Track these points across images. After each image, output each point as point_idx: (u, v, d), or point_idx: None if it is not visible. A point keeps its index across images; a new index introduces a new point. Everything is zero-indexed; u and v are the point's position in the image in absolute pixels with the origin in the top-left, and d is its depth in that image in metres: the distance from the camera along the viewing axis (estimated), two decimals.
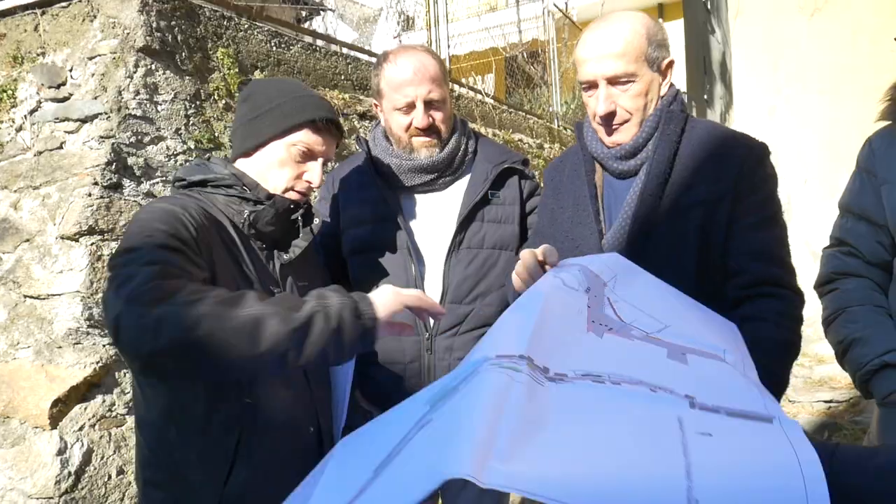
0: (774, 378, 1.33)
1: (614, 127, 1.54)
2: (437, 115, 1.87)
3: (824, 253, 1.74)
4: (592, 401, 0.82)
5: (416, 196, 1.96)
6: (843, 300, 1.63)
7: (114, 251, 1.26)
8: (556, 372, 0.87)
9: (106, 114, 2.73)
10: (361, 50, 4.55)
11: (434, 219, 1.92)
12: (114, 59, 2.78)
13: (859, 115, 4.25)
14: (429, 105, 1.85)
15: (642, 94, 1.51)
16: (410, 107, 1.85)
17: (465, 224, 1.88)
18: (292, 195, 1.46)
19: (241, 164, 1.48)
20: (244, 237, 1.39)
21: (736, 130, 1.64)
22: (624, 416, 0.79)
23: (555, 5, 8.62)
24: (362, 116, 3.91)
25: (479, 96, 5.93)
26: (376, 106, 2.00)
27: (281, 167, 1.44)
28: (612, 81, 1.50)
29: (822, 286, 1.71)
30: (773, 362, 1.34)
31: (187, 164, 1.53)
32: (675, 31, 13.96)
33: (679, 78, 14.52)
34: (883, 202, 1.56)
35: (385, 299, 1.23)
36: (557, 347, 0.93)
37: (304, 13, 9.79)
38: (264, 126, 1.43)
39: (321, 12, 10.38)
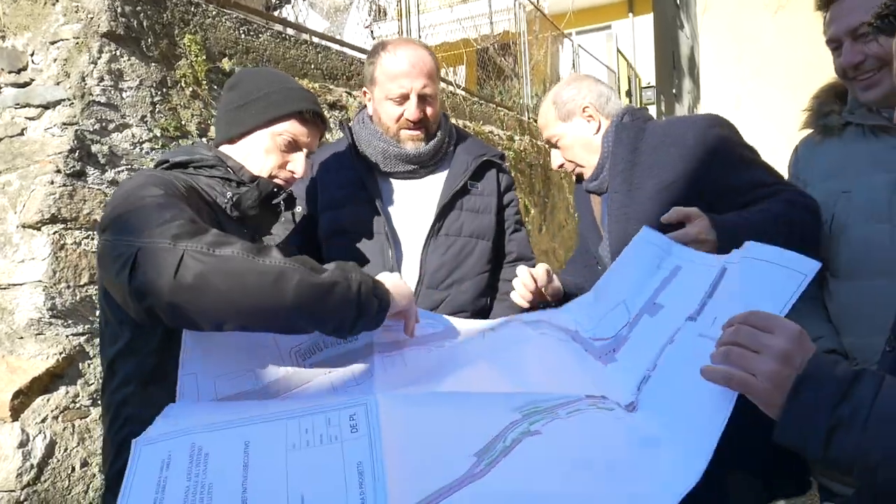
0: (746, 219, 1.44)
1: (576, 174, 1.92)
2: (428, 110, 1.91)
3: None
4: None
5: (395, 182, 1.98)
6: None
7: (106, 221, 1.20)
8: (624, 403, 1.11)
9: (69, 100, 2.66)
10: (332, 39, 4.50)
11: (413, 205, 1.95)
12: (77, 44, 2.71)
13: None
14: (422, 99, 1.89)
15: (573, 144, 1.85)
16: (404, 98, 1.88)
17: (444, 211, 1.92)
18: (276, 182, 1.47)
19: (225, 150, 1.48)
20: (226, 219, 1.39)
21: (688, 115, 1.83)
22: None
23: None
24: (332, 106, 3.88)
25: (449, 88, 5.92)
26: (365, 93, 2.02)
27: (266, 155, 1.44)
28: (553, 146, 1.89)
29: None
30: (754, 215, 1.46)
31: (170, 150, 1.53)
32: (644, 25, 14.08)
33: (648, 72, 14.67)
34: None
35: (397, 289, 1.25)
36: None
37: (274, 1, 9.65)
38: (251, 114, 1.44)
39: (291, 0, 10.24)
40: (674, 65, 15.86)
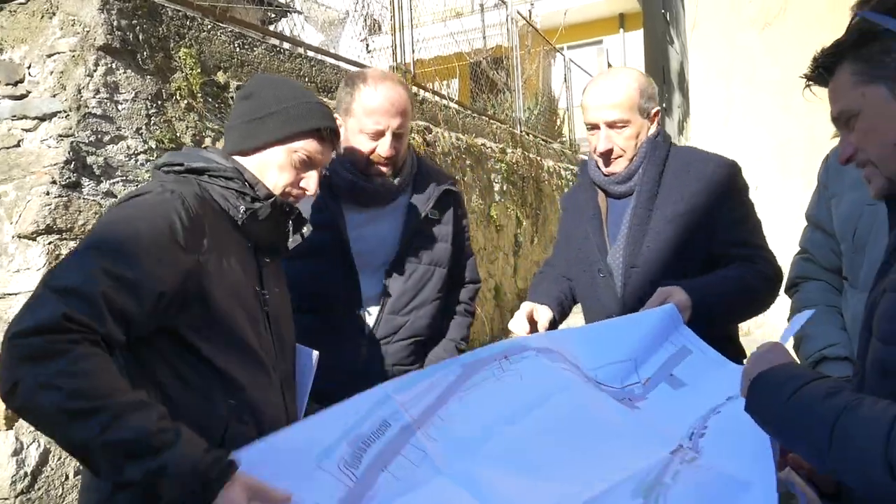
0: (714, 291, 1.68)
1: (612, 160, 1.89)
2: (399, 147, 1.93)
3: (793, 259, 1.89)
4: None
5: (359, 208, 1.98)
6: (802, 301, 1.77)
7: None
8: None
9: (65, 112, 2.67)
10: (326, 53, 4.54)
11: (375, 231, 1.97)
12: (73, 57, 2.73)
13: (806, 125, 4.38)
14: (395, 137, 1.90)
15: (633, 136, 1.85)
16: (379, 135, 1.89)
17: (407, 240, 1.96)
18: (287, 198, 1.44)
19: (239, 161, 1.43)
20: (234, 233, 1.36)
21: (710, 152, 1.95)
22: None
23: (518, 13, 8.70)
24: None
25: (443, 101, 5.96)
26: (337, 119, 2.00)
27: (280, 171, 1.40)
28: (611, 125, 1.85)
29: (789, 289, 1.87)
30: (727, 286, 1.70)
31: (176, 152, 1.44)
32: (635, 41, 14.21)
33: None
34: (832, 213, 1.69)
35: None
36: None
37: (270, 15, 9.69)
38: (268, 129, 1.38)
39: (287, 14, 10.29)
40: (664, 79, 15.99)
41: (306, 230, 1.50)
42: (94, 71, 2.74)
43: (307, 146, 1.39)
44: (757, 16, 4.99)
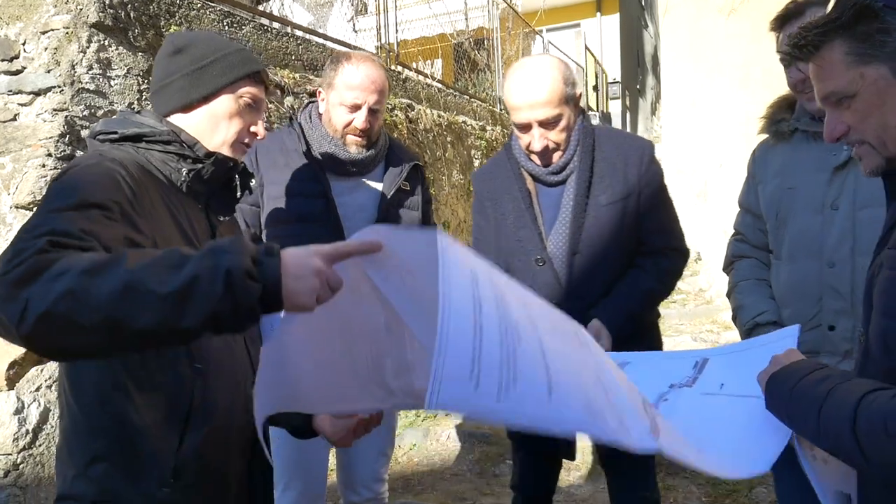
0: (629, 306, 1.81)
1: (548, 158, 1.85)
2: (374, 122, 2.03)
3: (729, 240, 2.00)
4: None
5: (340, 178, 2.08)
6: (737, 276, 1.90)
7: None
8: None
9: (59, 87, 2.66)
10: (313, 32, 4.51)
11: (353, 199, 2.07)
12: (67, 33, 2.71)
13: (764, 104, 4.45)
14: (371, 112, 2.01)
15: (566, 127, 1.82)
16: (356, 108, 1.99)
17: (385, 207, 2.07)
18: (239, 148, 1.36)
19: (177, 120, 1.32)
20: (181, 196, 1.29)
21: (627, 132, 1.94)
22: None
23: None
24: (312, 95, 3.89)
25: (425, 80, 5.95)
26: (319, 93, 2.11)
27: (230, 119, 1.32)
28: (543, 124, 1.78)
29: (727, 267, 1.99)
30: (634, 296, 1.83)
31: (109, 118, 1.33)
32: (611, 24, 14.17)
33: (614, 68, 14.73)
34: (759, 198, 1.84)
35: (306, 262, 0.93)
36: None
37: None
38: (213, 76, 1.30)
39: None
40: (638, 62, 16.00)
41: (253, 183, 1.44)
42: (87, 47, 2.72)
43: (251, 89, 1.34)
44: (723, 3, 5.02)
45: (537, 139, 1.80)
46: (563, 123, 1.80)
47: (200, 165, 1.28)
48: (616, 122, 14.08)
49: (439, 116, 5.65)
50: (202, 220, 1.33)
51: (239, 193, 1.40)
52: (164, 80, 1.31)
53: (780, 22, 1.69)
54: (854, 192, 1.61)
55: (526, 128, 1.81)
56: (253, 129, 1.36)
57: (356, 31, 11.22)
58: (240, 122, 1.33)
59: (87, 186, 1.06)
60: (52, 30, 2.72)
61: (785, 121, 1.79)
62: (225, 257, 0.89)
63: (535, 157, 1.87)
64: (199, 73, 1.29)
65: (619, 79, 14.19)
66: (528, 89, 1.77)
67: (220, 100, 1.31)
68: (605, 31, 14.04)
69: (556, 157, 1.85)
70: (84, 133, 2.70)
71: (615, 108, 14.14)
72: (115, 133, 1.25)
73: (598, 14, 13.95)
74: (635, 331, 1.79)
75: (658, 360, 1.53)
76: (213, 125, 1.31)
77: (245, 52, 1.36)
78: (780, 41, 1.70)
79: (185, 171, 1.27)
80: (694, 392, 1.32)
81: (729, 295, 1.92)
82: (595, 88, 12.95)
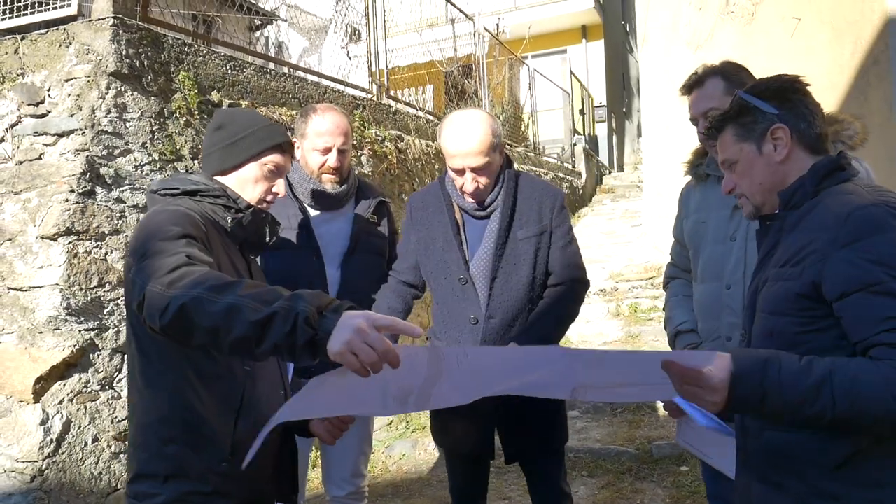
0: (543, 331, 2.12)
1: (476, 197, 2.16)
2: (343, 160, 2.39)
3: (666, 265, 2.37)
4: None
5: (319, 212, 2.43)
6: (669, 294, 2.27)
7: (131, 250, 1.43)
8: None
9: (81, 129, 2.96)
10: (308, 71, 4.83)
11: (329, 229, 2.43)
12: (88, 81, 3.01)
13: None
14: (340, 152, 2.36)
15: (494, 171, 2.14)
16: (327, 150, 2.35)
17: (356, 235, 2.42)
18: (263, 205, 1.71)
19: (219, 180, 1.67)
20: (225, 236, 1.61)
21: (542, 180, 2.36)
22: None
23: (485, 28, 9.02)
24: None
25: (415, 111, 6.27)
26: (295, 143, 2.43)
27: (255, 183, 1.65)
28: (475, 169, 2.09)
29: (665, 286, 2.34)
30: (546, 322, 2.17)
31: (164, 177, 1.70)
32: (597, 50, 14.62)
33: (600, 92, 15.09)
34: (684, 230, 2.18)
35: (351, 321, 1.12)
36: None
37: (256, 21, 9.87)
38: (242, 150, 1.64)
39: (273, 22, 10.49)
40: (623, 85, 16.43)
41: (279, 229, 1.80)
42: (106, 94, 3.02)
43: (275, 159, 1.67)
44: (691, 38, 5.38)
45: (469, 182, 2.11)
46: (490, 168, 2.12)
47: (241, 215, 1.63)
48: (602, 145, 14.45)
49: (427, 146, 5.96)
50: (240, 256, 1.67)
51: (268, 239, 1.73)
52: (209, 149, 1.68)
53: (688, 89, 2.06)
54: (747, 227, 1.93)
55: (460, 172, 2.11)
56: (274, 189, 1.70)
57: (350, 58, 11.60)
58: (264, 184, 1.67)
59: (181, 222, 1.42)
60: (75, 78, 3.02)
61: (701, 166, 2.13)
62: (300, 304, 1.14)
63: (466, 196, 2.17)
64: (231, 147, 1.65)
65: (604, 102, 14.59)
66: (463, 140, 2.07)
67: (248, 167, 1.66)
68: (590, 57, 14.47)
69: (484, 195, 2.16)
70: (102, 170, 2.99)
71: (601, 130, 14.53)
72: (178, 189, 1.60)
73: (584, 40, 14.40)
74: None
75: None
76: (242, 186, 1.66)
77: (271, 128, 1.68)
78: (688, 106, 2.07)
79: (229, 218, 1.61)
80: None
81: (664, 309, 2.28)
82: (581, 112, 13.34)
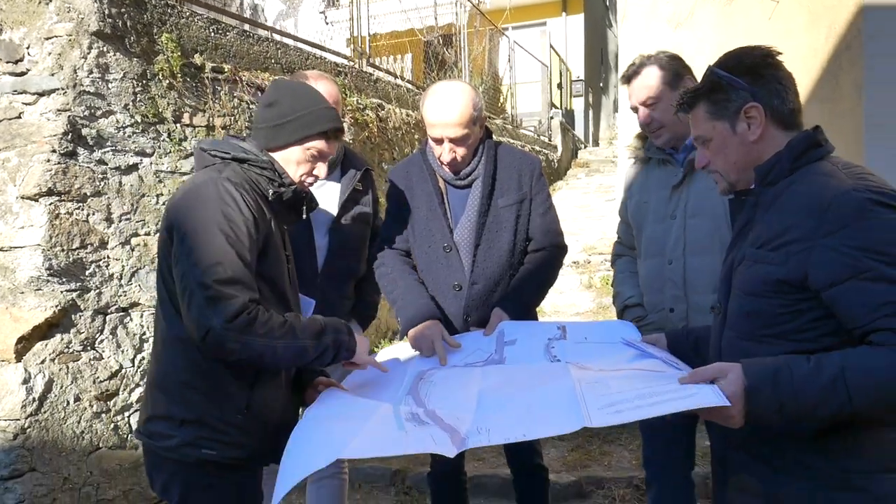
0: (525, 297, 2.24)
1: (456, 168, 2.21)
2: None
3: (613, 243, 2.48)
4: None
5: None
6: (617, 270, 2.39)
7: (176, 227, 1.54)
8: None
9: (62, 89, 2.92)
10: (290, 36, 4.78)
11: (320, 196, 2.38)
12: (69, 40, 2.96)
13: None
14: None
15: (472, 144, 2.18)
16: None
17: (344, 203, 2.45)
18: (302, 185, 1.74)
19: (269, 154, 1.71)
20: (268, 208, 1.67)
21: (519, 149, 2.43)
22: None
23: None
24: None
25: (396, 80, 6.24)
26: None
27: (297, 165, 1.69)
28: (453, 140, 2.12)
29: (613, 263, 2.46)
30: (528, 288, 2.26)
31: (217, 140, 1.77)
32: (576, 24, 14.57)
33: (578, 66, 15.07)
34: (628, 210, 2.28)
35: (361, 353, 1.71)
36: None
37: None
38: (287, 133, 1.67)
39: None
40: (602, 60, 16.46)
41: (315, 206, 1.87)
42: (88, 53, 2.98)
43: (318, 145, 1.69)
44: (671, 16, 5.42)
45: (447, 152, 2.15)
46: (470, 140, 2.16)
47: (283, 189, 1.68)
48: (579, 119, 14.51)
49: (407, 115, 5.97)
50: (277, 227, 1.72)
51: (304, 216, 1.81)
52: (258, 124, 1.72)
53: (626, 79, 2.15)
54: (686, 205, 2.04)
55: (439, 141, 2.15)
56: (315, 172, 1.73)
57: (328, 24, 11.41)
58: (305, 167, 1.71)
59: (233, 218, 1.53)
60: (56, 36, 2.97)
61: (641, 150, 2.24)
62: (343, 337, 1.64)
63: (445, 168, 2.22)
64: (277, 129, 1.67)
65: (582, 76, 14.61)
66: (444, 111, 2.11)
67: (291, 150, 1.69)
68: (570, 30, 14.43)
69: (462, 165, 2.20)
70: (84, 131, 2.97)
71: (578, 105, 14.57)
72: (228, 154, 1.66)
73: (564, 13, 14.34)
74: (525, 315, 2.22)
75: (532, 327, 2.07)
76: (286, 165, 1.70)
77: (319, 113, 1.69)
78: (628, 95, 2.16)
79: (271, 191, 1.66)
80: (569, 342, 1.83)
81: (612, 284, 2.41)
82: (559, 86, 13.35)
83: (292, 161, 1.69)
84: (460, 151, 2.16)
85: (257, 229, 1.58)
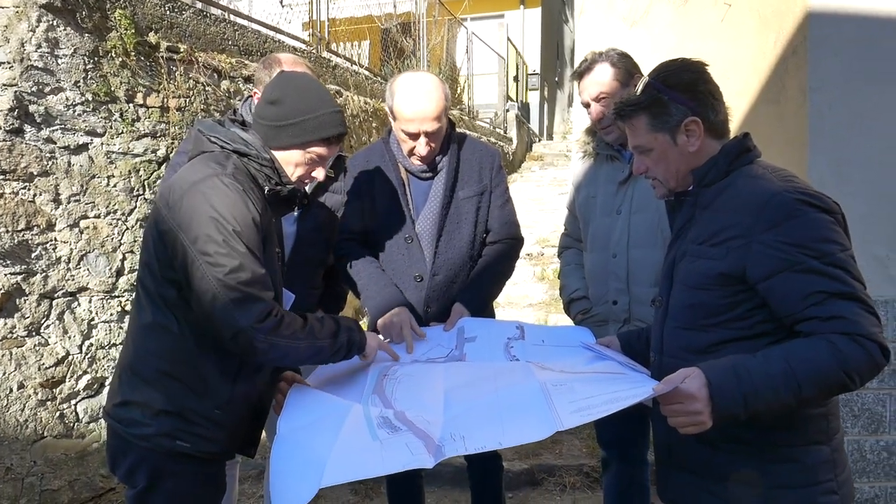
0: (485, 290, 2.28)
1: (426, 161, 2.21)
2: None
3: (560, 235, 2.53)
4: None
5: None
6: (563, 262, 2.46)
7: (184, 226, 1.50)
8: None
9: (9, 63, 2.80)
10: (249, 18, 4.69)
11: None
12: (17, 12, 2.84)
13: None
14: None
15: (443, 135, 2.19)
16: None
17: (314, 190, 2.33)
18: (300, 185, 1.72)
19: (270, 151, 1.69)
20: (262, 194, 1.65)
21: (480, 141, 2.44)
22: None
23: None
24: (247, 80, 4.11)
25: (354, 67, 6.19)
26: (254, 94, 2.34)
27: (296, 167, 1.66)
28: (429, 134, 2.12)
29: (559, 255, 2.52)
30: (487, 280, 2.29)
31: (216, 124, 1.68)
32: (533, 17, 14.69)
33: (534, 60, 15.21)
34: (576, 203, 2.35)
35: (371, 348, 1.78)
36: None
37: None
38: (289, 136, 1.62)
39: None
40: (557, 54, 16.65)
41: (306, 202, 1.86)
42: (37, 27, 2.87)
43: (319, 150, 1.65)
44: (627, 14, 5.52)
45: (423, 146, 2.13)
46: (441, 132, 2.16)
47: (280, 188, 1.66)
48: (534, 113, 14.65)
49: (365, 103, 5.92)
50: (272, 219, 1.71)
51: (296, 212, 1.82)
52: (259, 118, 1.67)
53: (578, 75, 2.20)
54: (631, 201, 2.13)
55: (414, 136, 2.13)
56: (313, 174, 1.71)
57: (284, 6, 11.19)
58: (304, 169, 1.68)
59: (241, 217, 1.52)
60: (2, 7, 2.84)
61: (590, 145, 2.30)
62: (355, 335, 1.70)
63: (414, 160, 2.20)
64: (279, 130, 1.62)
65: (538, 70, 14.75)
66: (421, 105, 2.08)
67: (291, 152, 1.65)
68: (527, 24, 14.54)
69: (430, 157, 2.20)
70: (31, 108, 2.86)
71: (534, 98, 14.71)
72: (230, 145, 1.61)
73: (522, 6, 14.43)
74: (484, 307, 2.27)
75: (491, 325, 2.09)
76: (284, 165, 1.66)
77: (322, 119, 1.64)
78: (579, 90, 2.21)
79: (267, 187, 1.64)
80: (527, 343, 1.87)
81: (559, 276, 2.47)
82: (515, 79, 13.44)
83: (291, 162, 1.66)
84: (434, 144, 2.16)
85: (261, 226, 1.57)
